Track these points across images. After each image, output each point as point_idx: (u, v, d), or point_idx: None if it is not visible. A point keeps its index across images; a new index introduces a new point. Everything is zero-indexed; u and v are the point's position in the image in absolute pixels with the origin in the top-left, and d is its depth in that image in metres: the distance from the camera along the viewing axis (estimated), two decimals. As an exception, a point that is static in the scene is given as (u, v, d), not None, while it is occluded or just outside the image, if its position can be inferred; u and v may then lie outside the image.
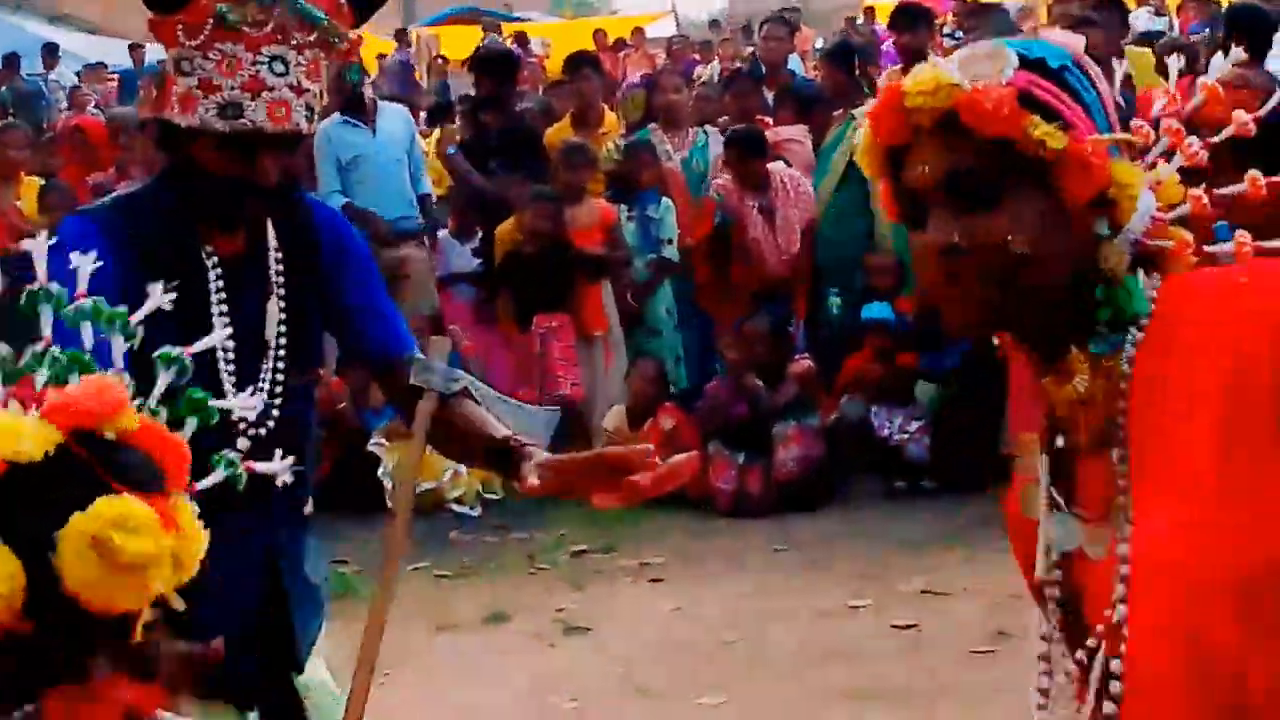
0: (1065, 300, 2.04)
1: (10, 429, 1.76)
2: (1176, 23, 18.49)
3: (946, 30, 17.88)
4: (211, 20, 3.04)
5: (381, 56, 24.94)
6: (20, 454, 1.75)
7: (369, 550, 8.47)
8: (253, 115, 3.04)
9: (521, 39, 22.94)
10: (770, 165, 9.81)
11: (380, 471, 9.19)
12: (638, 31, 24.91)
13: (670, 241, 9.93)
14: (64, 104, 19.18)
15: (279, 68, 3.06)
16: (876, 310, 9.22)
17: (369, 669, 3.06)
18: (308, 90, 3.11)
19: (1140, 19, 14.78)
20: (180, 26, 3.06)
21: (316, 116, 3.16)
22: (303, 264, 3.34)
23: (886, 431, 8.97)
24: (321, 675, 3.52)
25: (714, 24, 21.12)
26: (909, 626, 6.78)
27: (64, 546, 1.73)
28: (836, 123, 10.21)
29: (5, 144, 10.38)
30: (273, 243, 3.31)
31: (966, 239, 2.01)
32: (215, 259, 3.23)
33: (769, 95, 11.38)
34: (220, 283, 3.22)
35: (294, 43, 3.08)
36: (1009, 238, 2.00)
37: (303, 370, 3.35)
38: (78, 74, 19.31)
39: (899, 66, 10.79)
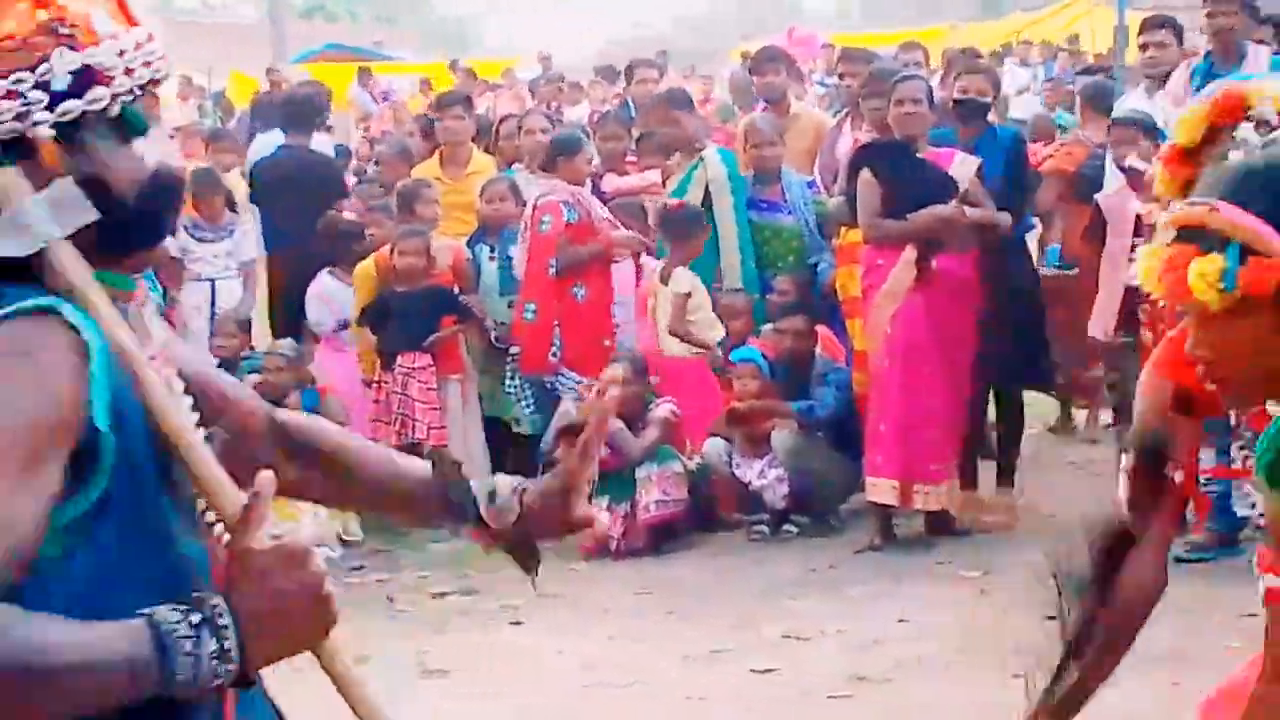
0: None
1: None
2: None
3: (817, 77, 18.10)
4: None
5: (256, 93, 24.80)
6: None
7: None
8: None
9: (364, 77, 22.83)
10: None
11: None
12: (508, 72, 24.94)
13: (534, 283, 9.90)
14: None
15: None
16: (746, 352, 9.25)
17: None
18: None
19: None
20: None
21: None
22: None
23: (748, 477, 8.99)
24: None
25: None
26: (769, 670, 6.78)
27: None
28: (680, 167, 10.26)
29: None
30: None
31: None
32: None
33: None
34: None
35: None
36: None
37: None
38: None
39: (762, 108, 10.93)
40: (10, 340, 1.96)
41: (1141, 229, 8.38)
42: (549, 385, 9.66)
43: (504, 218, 10.03)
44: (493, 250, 10.01)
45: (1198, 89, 7.12)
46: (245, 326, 10.28)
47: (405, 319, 9.52)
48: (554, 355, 9.60)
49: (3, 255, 2.03)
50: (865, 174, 8.67)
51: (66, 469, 1.98)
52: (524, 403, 9.82)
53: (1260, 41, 9.62)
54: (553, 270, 9.55)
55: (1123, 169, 8.58)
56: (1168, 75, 9.24)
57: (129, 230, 2.16)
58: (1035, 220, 10.48)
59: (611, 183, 10.89)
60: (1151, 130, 8.38)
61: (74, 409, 1.98)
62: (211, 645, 1.95)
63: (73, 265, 2.06)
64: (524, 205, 10.06)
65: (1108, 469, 8.81)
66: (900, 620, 7.23)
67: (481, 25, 66.37)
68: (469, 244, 10.13)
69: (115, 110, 2.13)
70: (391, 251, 9.64)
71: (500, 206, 10.05)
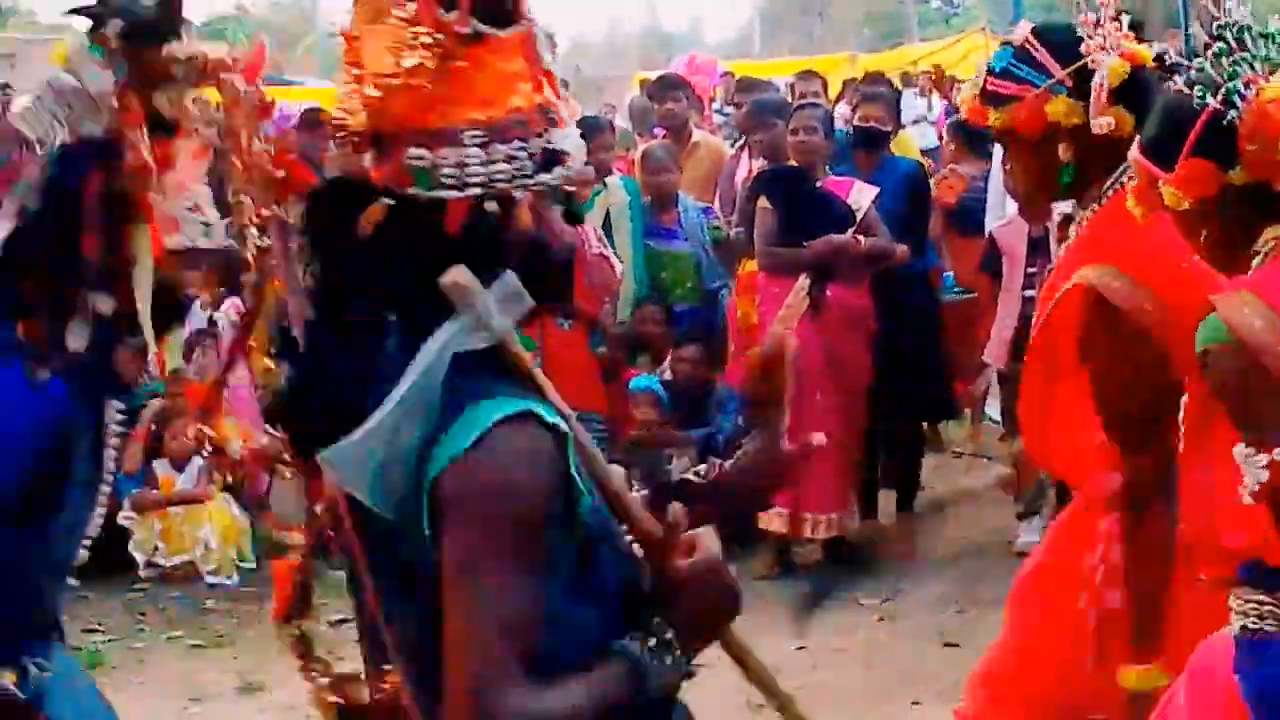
0: None
1: None
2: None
3: (716, 106, 18.17)
4: None
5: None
6: None
7: (118, 620, 8.29)
8: None
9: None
10: None
11: (130, 544, 8.96)
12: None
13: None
14: None
15: None
16: (645, 380, 9.25)
17: None
18: None
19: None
20: None
21: None
22: None
23: (646, 503, 8.97)
24: None
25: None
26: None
27: None
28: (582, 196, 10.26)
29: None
30: None
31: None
32: None
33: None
34: None
35: None
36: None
37: None
38: None
39: (662, 135, 10.89)
40: (513, 450, 2.29)
41: (1035, 259, 8.46)
42: None
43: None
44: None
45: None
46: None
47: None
48: None
49: (472, 350, 2.33)
50: (762, 201, 8.71)
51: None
52: None
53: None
54: None
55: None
56: None
57: (553, 293, 2.57)
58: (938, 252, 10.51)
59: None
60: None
61: (563, 497, 2.35)
62: (669, 660, 2.50)
63: (522, 353, 2.40)
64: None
65: (1004, 496, 8.87)
66: (799, 648, 7.24)
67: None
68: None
69: (563, 191, 2.50)
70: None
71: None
